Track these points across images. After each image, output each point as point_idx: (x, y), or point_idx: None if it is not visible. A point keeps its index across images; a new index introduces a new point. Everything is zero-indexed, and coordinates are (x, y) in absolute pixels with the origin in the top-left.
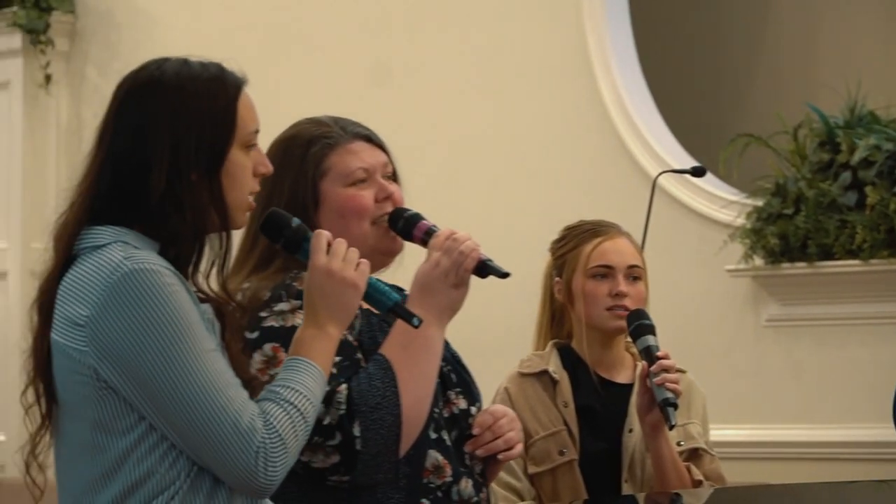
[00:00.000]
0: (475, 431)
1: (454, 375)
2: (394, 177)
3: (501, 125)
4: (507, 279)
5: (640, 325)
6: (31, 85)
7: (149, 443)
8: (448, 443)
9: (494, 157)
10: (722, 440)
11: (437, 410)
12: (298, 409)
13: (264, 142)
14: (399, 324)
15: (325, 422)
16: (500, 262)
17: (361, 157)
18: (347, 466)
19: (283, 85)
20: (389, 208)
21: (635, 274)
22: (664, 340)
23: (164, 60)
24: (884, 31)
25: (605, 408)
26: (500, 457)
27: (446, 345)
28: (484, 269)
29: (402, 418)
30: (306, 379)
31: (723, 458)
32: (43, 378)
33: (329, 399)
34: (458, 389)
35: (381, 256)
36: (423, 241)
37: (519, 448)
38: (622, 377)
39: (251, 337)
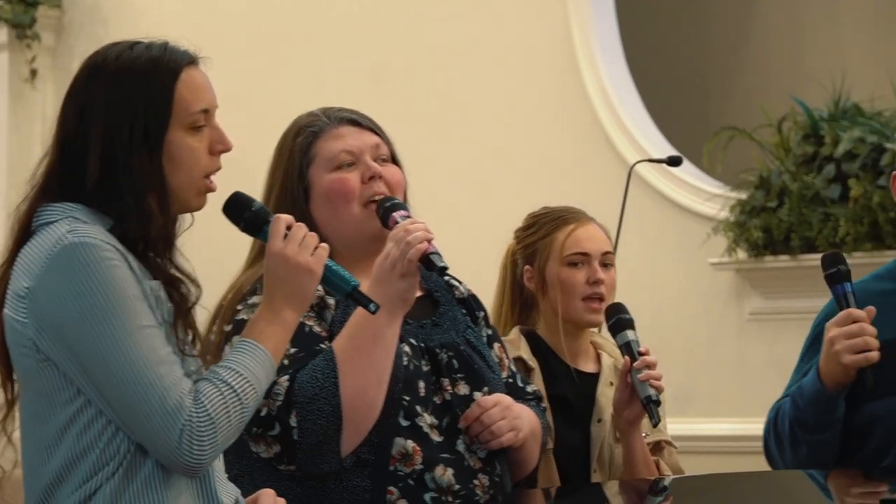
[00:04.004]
0: (460, 425)
1: (457, 362)
2: (393, 160)
3: (486, 115)
4: (490, 266)
5: (619, 319)
6: (16, 80)
7: (87, 417)
8: (426, 430)
9: (478, 145)
10: (705, 434)
11: (408, 398)
12: (235, 391)
13: (252, 127)
14: (352, 317)
15: (263, 413)
16: (481, 247)
17: (346, 140)
18: (289, 456)
19: (270, 75)
20: (379, 188)
21: (608, 261)
22: (647, 333)
23: (114, 45)
24: (868, 25)
25: (577, 397)
26: (485, 447)
27: (465, 329)
28: (429, 262)
29: (342, 408)
30: (250, 361)
31: (706, 452)
32: (2, 352)
33: (269, 390)
34: (458, 375)
35: (373, 243)
36: None
37: (509, 437)
38: (588, 366)
39: (227, 329)
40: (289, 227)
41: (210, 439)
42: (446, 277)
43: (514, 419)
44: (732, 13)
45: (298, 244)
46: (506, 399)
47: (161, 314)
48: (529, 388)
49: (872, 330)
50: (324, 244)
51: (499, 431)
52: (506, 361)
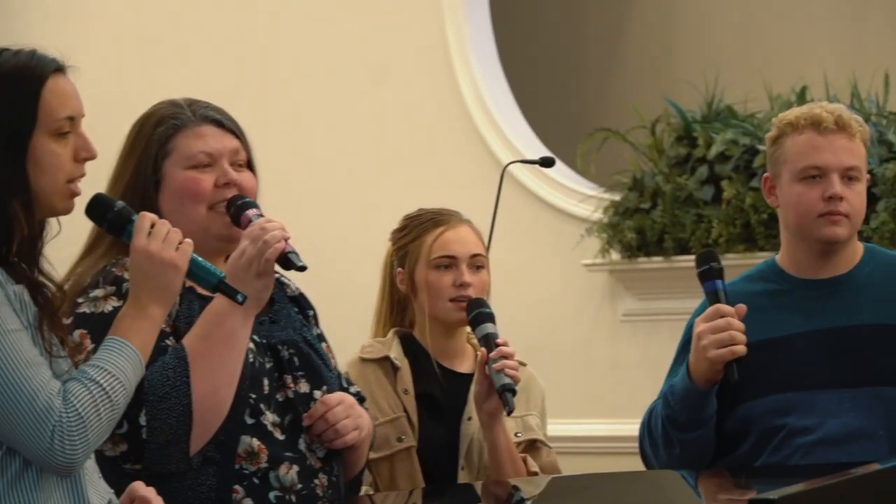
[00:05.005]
0: (305, 423)
1: (298, 359)
2: (249, 165)
3: (362, 116)
4: (368, 267)
5: (479, 313)
6: None
7: None
8: (270, 428)
9: (354, 146)
10: (579, 435)
11: (254, 396)
12: (104, 389)
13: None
14: (204, 313)
15: None
16: (356, 249)
17: (207, 141)
18: (136, 455)
19: (140, 82)
20: (230, 194)
21: (478, 263)
22: (521, 334)
23: None
24: (741, 27)
25: (446, 396)
26: (328, 445)
27: (301, 327)
28: (287, 261)
29: (192, 408)
30: (118, 359)
31: (580, 453)
32: None
33: None
34: (299, 373)
35: (219, 243)
36: None
37: (353, 436)
38: (464, 367)
39: (67, 323)
40: (152, 225)
41: (81, 438)
42: (276, 275)
43: (357, 418)
44: (606, 15)
45: (162, 240)
46: (348, 398)
47: (27, 317)
48: (353, 390)
49: (740, 325)
50: (188, 239)
51: (343, 430)
52: (333, 362)
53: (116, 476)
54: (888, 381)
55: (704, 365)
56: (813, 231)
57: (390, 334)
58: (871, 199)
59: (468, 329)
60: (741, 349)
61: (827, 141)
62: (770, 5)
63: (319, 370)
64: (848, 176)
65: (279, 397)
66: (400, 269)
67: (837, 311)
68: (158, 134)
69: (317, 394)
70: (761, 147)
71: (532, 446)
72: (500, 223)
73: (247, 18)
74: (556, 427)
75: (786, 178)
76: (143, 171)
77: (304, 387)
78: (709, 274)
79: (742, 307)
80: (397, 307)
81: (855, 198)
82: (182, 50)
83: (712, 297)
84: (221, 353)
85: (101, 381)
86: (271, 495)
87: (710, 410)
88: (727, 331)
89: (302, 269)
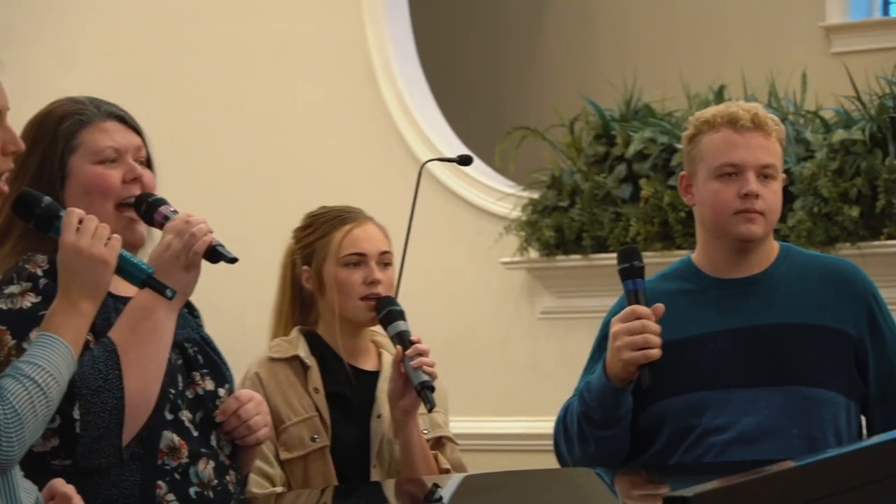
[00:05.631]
0: (218, 419)
1: (201, 357)
2: (148, 163)
3: (280, 112)
4: (273, 264)
5: (390, 311)
6: None
7: None
8: (187, 424)
9: (272, 142)
10: (497, 432)
11: (172, 391)
12: (39, 385)
13: None
14: (128, 307)
15: None
16: (272, 245)
17: (113, 136)
18: (67, 450)
19: (56, 75)
20: (136, 191)
21: (386, 260)
22: (439, 332)
23: None
24: (660, 26)
25: (355, 395)
26: (240, 442)
27: (196, 326)
28: (214, 253)
29: (125, 401)
30: (51, 355)
31: (498, 450)
32: None
33: None
34: (204, 371)
35: (126, 240)
36: (162, 226)
37: (264, 432)
38: (369, 365)
39: None
40: (80, 220)
41: (18, 434)
42: None
43: (266, 415)
44: (526, 14)
45: (91, 236)
46: (257, 395)
47: None
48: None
49: (655, 328)
50: (116, 235)
51: (255, 427)
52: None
53: (40, 473)
54: (802, 380)
55: (619, 365)
56: (729, 228)
57: (294, 332)
58: (789, 198)
59: (374, 328)
60: (655, 353)
61: (743, 139)
62: (689, 5)
63: (220, 368)
64: (764, 174)
65: (189, 394)
66: (306, 266)
67: (752, 310)
68: (63, 129)
69: (221, 391)
70: (679, 146)
71: (439, 443)
72: (419, 221)
73: (162, 15)
74: (474, 425)
75: (702, 176)
76: (48, 167)
77: (209, 384)
78: (629, 272)
79: (660, 307)
80: (299, 305)
81: (770, 196)
82: (98, 47)
83: (631, 297)
84: (149, 347)
85: (36, 378)
86: (191, 491)
87: (625, 408)
88: (642, 334)
89: (232, 260)
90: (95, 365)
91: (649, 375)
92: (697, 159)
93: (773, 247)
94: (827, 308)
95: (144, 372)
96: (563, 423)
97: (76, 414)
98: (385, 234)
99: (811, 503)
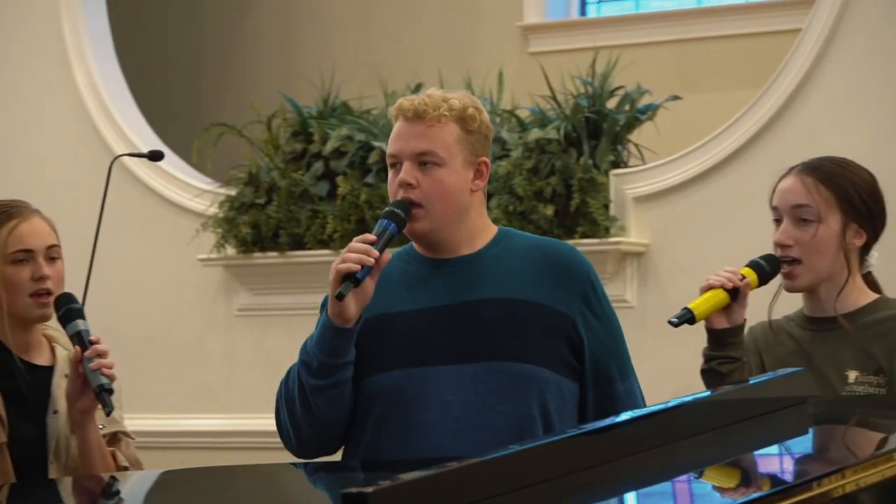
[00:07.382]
0: None
1: None
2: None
3: None
4: None
5: (69, 309)
6: None
7: None
8: None
9: None
10: (192, 430)
11: None
12: None
13: None
14: None
15: None
16: None
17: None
18: None
19: None
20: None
21: (55, 254)
22: (134, 329)
23: None
24: (358, 24)
25: (31, 391)
26: None
27: None
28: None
29: None
30: None
31: (192, 448)
32: None
33: None
34: None
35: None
36: None
37: None
38: (42, 359)
39: None
40: None
41: None
42: None
43: None
44: (225, 10)
45: None
46: None
47: None
48: None
49: (375, 253)
50: None
51: None
52: None
53: None
54: (507, 355)
55: (332, 287)
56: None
57: None
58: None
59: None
60: (355, 267)
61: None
62: (388, 3)
63: None
64: (421, 161)
65: None
66: None
67: (460, 287)
68: None
69: None
70: (376, 143)
71: (115, 438)
72: (114, 216)
73: None
74: (169, 423)
75: None
76: None
77: None
78: (391, 216)
79: (370, 236)
80: None
81: (427, 182)
82: None
83: (379, 232)
84: None
85: None
86: None
87: (346, 356)
88: (357, 253)
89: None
90: None
91: (344, 288)
92: None
93: (490, 230)
94: (541, 287)
95: None
96: (284, 385)
97: None
98: (52, 227)
99: (494, 498)
